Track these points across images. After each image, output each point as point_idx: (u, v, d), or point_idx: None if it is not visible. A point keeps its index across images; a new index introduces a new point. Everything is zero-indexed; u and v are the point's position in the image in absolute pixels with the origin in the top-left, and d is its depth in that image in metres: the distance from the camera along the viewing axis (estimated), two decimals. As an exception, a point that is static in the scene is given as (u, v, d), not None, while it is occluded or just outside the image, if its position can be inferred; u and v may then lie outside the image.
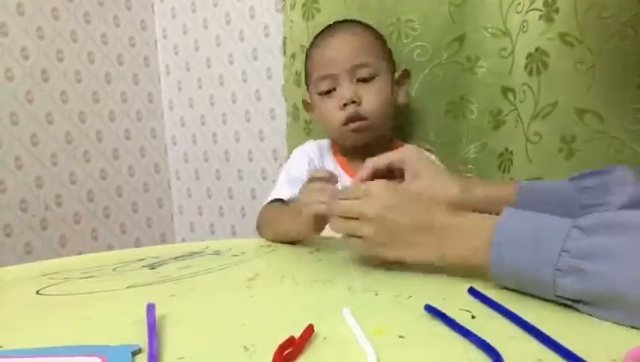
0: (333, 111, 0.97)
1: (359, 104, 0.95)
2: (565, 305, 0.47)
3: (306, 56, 1.04)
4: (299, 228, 0.78)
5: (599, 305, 0.45)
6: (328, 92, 0.98)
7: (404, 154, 0.74)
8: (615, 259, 0.43)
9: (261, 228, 0.92)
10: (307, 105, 1.08)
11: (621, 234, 0.44)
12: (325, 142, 1.07)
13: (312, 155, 1.04)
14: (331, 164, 1.03)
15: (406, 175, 0.73)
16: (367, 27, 1.01)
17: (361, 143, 0.98)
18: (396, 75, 1.01)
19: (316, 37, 1.03)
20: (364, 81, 0.96)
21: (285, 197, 0.95)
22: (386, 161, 0.74)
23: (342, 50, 0.96)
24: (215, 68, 1.66)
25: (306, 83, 1.06)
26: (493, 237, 0.51)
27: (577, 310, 0.46)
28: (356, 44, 0.97)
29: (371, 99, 0.96)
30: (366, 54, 0.97)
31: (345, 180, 0.98)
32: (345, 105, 0.95)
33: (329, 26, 1.02)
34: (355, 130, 0.96)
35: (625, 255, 0.43)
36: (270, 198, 0.97)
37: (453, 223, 0.57)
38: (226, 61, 1.62)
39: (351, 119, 0.95)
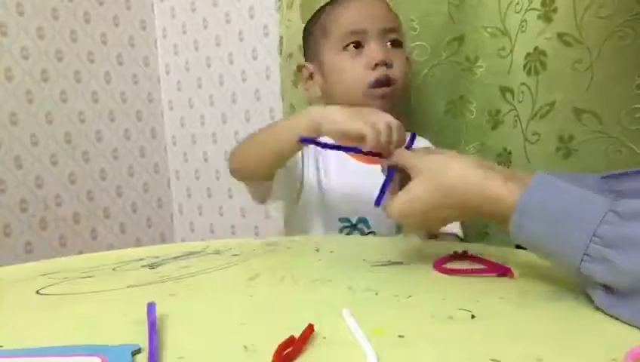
0: (359, 71, 0.89)
1: (390, 67, 0.89)
2: (565, 304, 0.47)
3: (319, 17, 0.96)
4: (301, 123, 0.76)
5: (621, 297, 0.43)
6: (354, 49, 0.90)
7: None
8: None
9: (235, 158, 0.88)
10: (304, 71, 0.98)
11: None
12: None
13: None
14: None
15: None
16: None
17: (383, 110, 0.89)
18: None
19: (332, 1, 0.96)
20: (393, 45, 0.91)
21: None
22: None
23: (375, 8, 0.92)
24: (215, 67, 1.66)
25: (310, 48, 0.98)
26: (518, 205, 0.49)
27: (580, 305, 0.46)
28: (387, 8, 0.94)
29: (400, 64, 0.91)
30: (395, 21, 0.94)
31: (348, 163, 0.94)
32: (376, 65, 0.88)
33: None
34: (382, 96, 0.89)
35: None
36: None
37: (479, 201, 0.54)
38: (226, 61, 1.62)
39: (380, 83, 0.88)
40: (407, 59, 0.99)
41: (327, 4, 0.97)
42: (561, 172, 0.74)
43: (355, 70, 0.89)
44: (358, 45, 0.90)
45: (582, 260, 0.44)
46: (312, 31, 0.98)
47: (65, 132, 1.55)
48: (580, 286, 0.47)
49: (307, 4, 1.12)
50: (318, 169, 0.96)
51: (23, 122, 1.46)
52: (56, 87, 1.53)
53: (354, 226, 0.93)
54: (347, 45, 0.90)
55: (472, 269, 0.60)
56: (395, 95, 0.90)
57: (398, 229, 0.90)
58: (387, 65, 0.89)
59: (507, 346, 0.40)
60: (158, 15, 1.76)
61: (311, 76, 0.97)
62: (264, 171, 0.85)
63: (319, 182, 0.95)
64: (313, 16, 0.99)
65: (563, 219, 0.46)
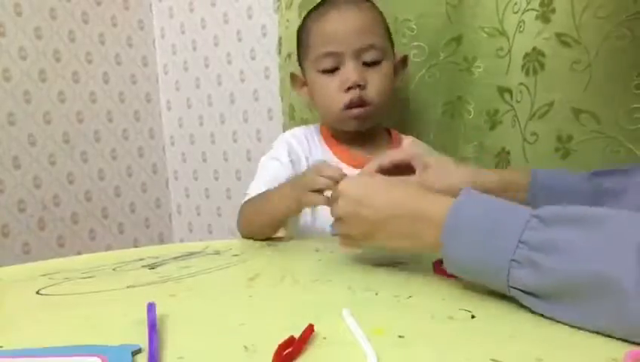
0: (334, 92, 0.91)
1: (364, 88, 0.90)
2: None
3: (303, 27, 0.97)
4: (288, 203, 0.79)
5: (552, 300, 0.44)
6: (330, 71, 0.91)
7: (409, 151, 0.73)
8: (571, 254, 0.42)
9: (240, 224, 0.90)
10: (296, 81, 1.00)
11: (581, 228, 0.43)
12: (312, 127, 1.02)
13: (295, 143, 0.97)
14: (319, 150, 0.97)
15: (416, 170, 0.72)
16: (372, 3, 0.95)
17: (359, 130, 0.93)
18: (394, 59, 0.96)
19: (315, 8, 0.96)
20: (370, 64, 0.91)
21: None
22: (392, 160, 0.73)
23: (349, 26, 0.90)
24: (213, 68, 1.66)
25: (299, 57, 0.99)
26: (445, 222, 0.50)
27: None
28: (365, 21, 0.91)
29: (376, 84, 0.90)
30: (374, 35, 0.91)
31: (335, 164, 0.90)
32: (349, 88, 0.89)
33: None
34: (356, 117, 0.91)
35: (582, 250, 0.42)
36: (247, 197, 0.92)
37: (418, 211, 0.55)
38: (224, 61, 1.62)
39: (354, 104, 0.90)
40: (406, 57, 0.99)
41: (309, 15, 0.97)
42: (557, 169, 0.76)
43: (329, 91, 0.91)
44: (334, 69, 0.91)
45: (510, 267, 0.45)
46: (298, 44, 0.99)
47: (63, 132, 1.55)
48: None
49: (306, 5, 1.12)
50: None
51: (21, 122, 1.46)
52: (55, 88, 1.53)
53: None
54: (323, 69, 0.91)
55: (471, 269, 0.60)
56: (370, 115, 0.91)
57: None
58: (360, 86, 0.89)
59: (507, 346, 0.40)
60: (156, 15, 1.76)
61: (302, 84, 0.99)
62: (273, 232, 0.88)
63: None
64: (300, 27, 0.99)
65: (488, 233, 0.47)
